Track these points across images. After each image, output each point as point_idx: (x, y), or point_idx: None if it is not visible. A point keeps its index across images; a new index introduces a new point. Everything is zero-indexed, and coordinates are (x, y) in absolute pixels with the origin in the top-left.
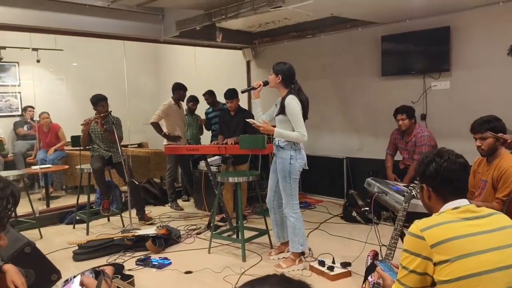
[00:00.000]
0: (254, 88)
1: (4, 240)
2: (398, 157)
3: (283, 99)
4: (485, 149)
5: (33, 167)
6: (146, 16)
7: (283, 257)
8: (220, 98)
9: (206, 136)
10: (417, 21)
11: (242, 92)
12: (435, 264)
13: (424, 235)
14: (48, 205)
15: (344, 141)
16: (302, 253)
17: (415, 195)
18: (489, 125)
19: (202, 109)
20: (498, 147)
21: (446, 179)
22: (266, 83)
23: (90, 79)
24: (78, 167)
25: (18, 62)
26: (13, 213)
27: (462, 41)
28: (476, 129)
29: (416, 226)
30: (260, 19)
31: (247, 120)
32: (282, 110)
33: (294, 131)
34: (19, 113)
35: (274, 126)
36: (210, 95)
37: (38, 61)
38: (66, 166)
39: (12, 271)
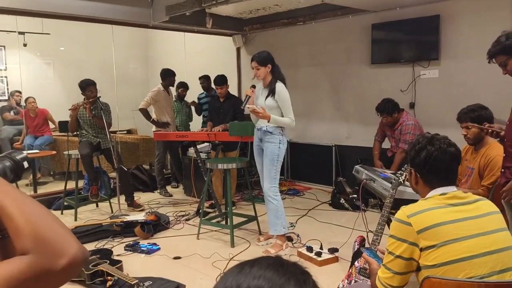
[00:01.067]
0: (249, 97)
1: None
2: (387, 145)
3: (272, 84)
4: (470, 138)
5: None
6: (135, 0)
7: (271, 243)
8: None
9: (195, 123)
10: (408, 9)
11: (243, 107)
12: (421, 250)
13: (411, 221)
14: (35, 191)
15: (333, 129)
16: (290, 239)
17: (402, 182)
18: (474, 113)
19: (193, 94)
20: (485, 136)
21: (434, 168)
22: (254, 86)
23: (78, 64)
24: (66, 152)
25: (4, 46)
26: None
27: (451, 30)
28: (462, 118)
29: (403, 212)
30: (251, 5)
31: (248, 106)
32: (272, 94)
33: (282, 117)
34: (6, 98)
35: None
36: (206, 79)
37: (25, 45)
38: (54, 152)
39: None
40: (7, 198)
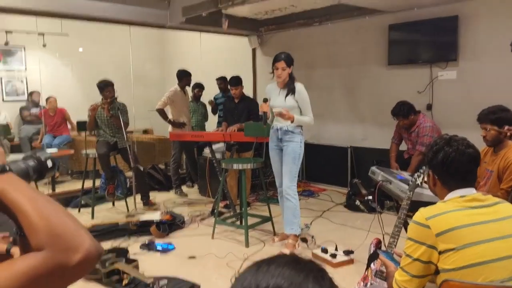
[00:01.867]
0: (266, 112)
1: None
2: (403, 147)
3: (290, 84)
4: (489, 140)
5: (36, 150)
6: (152, 2)
7: (286, 243)
8: None
9: (210, 123)
10: (425, 10)
11: (265, 125)
12: (440, 253)
13: (429, 224)
14: (53, 190)
15: (349, 130)
16: (304, 240)
17: (419, 184)
18: (493, 116)
19: (209, 94)
20: (504, 139)
21: (452, 170)
22: (266, 100)
23: (96, 65)
24: (84, 152)
25: (24, 47)
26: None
27: (470, 30)
28: (481, 119)
29: (421, 214)
30: (267, 6)
31: (274, 110)
32: (291, 93)
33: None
34: (25, 98)
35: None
36: (223, 81)
37: (44, 45)
38: (72, 151)
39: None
40: (21, 195)
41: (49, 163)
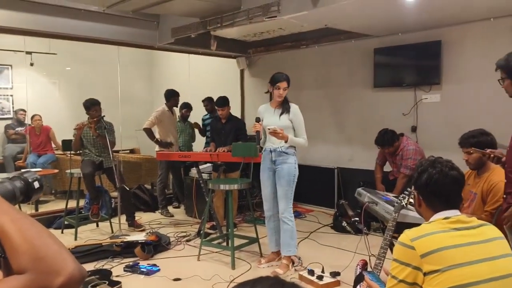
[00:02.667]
0: (258, 132)
1: None
2: (389, 168)
3: (285, 104)
4: (471, 163)
5: (23, 170)
6: (141, 22)
7: (272, 265)
8: None
9: (198, 143)
10: (409, 35)
11: (259, 145)
12: (425, 274)
13: (414, 245)
14: (36, 209)
15: (335, 151)
16: (291, 261)
17: (404, 206)
18: (473, 139)
19: (196, 115)
20: (487, 161)
21: (435, 191)
22: (258, 120)
23: (83, 84)
24: (68, 171)
25: (11, 65)
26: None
27: (453, 55)
28: (462, 143)
29: (406, 235)
30: (255, 28)
31: (268, 128)
32: (286, 113)
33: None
34: (11, 116)
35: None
36: (209, 102)
37: (31, 64)
38: (56, 170)
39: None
40: (4, 216)
41: (36, 185)
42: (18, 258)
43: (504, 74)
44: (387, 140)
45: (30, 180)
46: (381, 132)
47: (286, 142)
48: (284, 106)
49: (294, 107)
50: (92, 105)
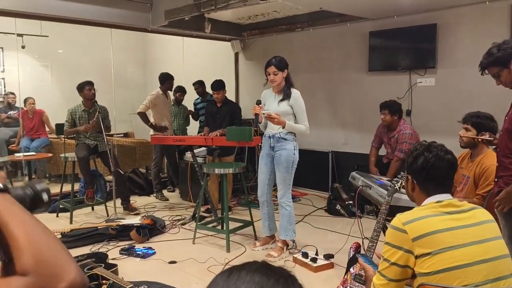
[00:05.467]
0: (258, 114)
1: None
2: (383, 151)
3: (286, 89)
4: (464, 141)
5: (16, 154)
6: (134, 4)
7: (267, 249)
8: (208, 89)
9: (192, 127)
10: (405, 18)
11: (255, 127)
12: (416, 257)
13: (406, 229)
14: None
15: (330, 135)
16: (285, 244)
17: (397, 189)
18: (476, 119)
19: (189, 99)
20: (478, 144)
21: (431, 175)
22: (259, 102)
23: (75, 67)
24: (62, 155)
25: (2, 48)
26: None
27: (448, 38)
28: (465, 119)
29: (398, 219)
30: (250, 11)
31: (264, 112)
32: (287, 99)
33: (296, 123)
34: (1, 100)
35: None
36: (200, 85)
37: (23, 47)
38: (50, 154)
39: None
40: (13, 217)
41: (45, 197)
42: (22, 259)
43: (496, 68)
44: (392, 107)
45: (39, 189)
46: (392, 100)
47: (283, 127)
48: (285, 92)
49: (295, 92)
50: (86, 84)
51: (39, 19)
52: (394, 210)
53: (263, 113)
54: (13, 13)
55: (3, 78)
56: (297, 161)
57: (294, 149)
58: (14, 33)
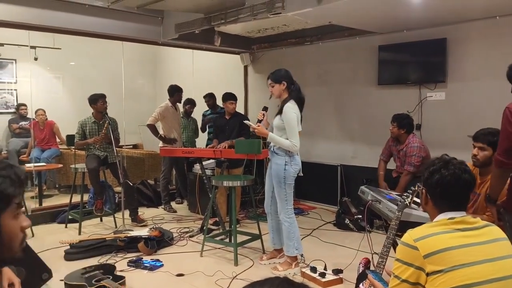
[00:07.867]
0: (260, 121)
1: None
2: (392, 165)
3: (284, 102)
4: (480, 160)
5: (27, 165)
6: (146, 18)
7: (274, 263)
8: (219, 102)
9: (201, 139)
10: (414, 32)
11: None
12: (427, 275)
13: (418, 245)
14: (40, 204)
15: (338, 149)
16: (295, 258)
17: (408, 204)
18: (493, 138)
19: (198, 112)
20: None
21: (446, 193)
22: (265, 109)
23: (87, 79)
24: (73, 166)
25: (15, 60)
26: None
27: (458, 53)
28: (479, 138)
29: (410, 235)
30: (259, 24)
31: (244, 121)
32: (280, 112)
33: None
34: (14, 110)
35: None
36: (211, 97)
37: (35, 59)
38: (60, 165)
39: (7, 270)
40: None
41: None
42: None
43: None
44: (402, 120)
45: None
46: (406, 113)
47: (265, 139)
48: (280, 105)
49: (286, 106)
50: (100, 97)
51: (52, 31)
52: (405, 225)
53: (246, 122)
54: (27, 26)
55: (16, 90)
56: (290, 177)
57: (286, 164)
58: (27, 45)
